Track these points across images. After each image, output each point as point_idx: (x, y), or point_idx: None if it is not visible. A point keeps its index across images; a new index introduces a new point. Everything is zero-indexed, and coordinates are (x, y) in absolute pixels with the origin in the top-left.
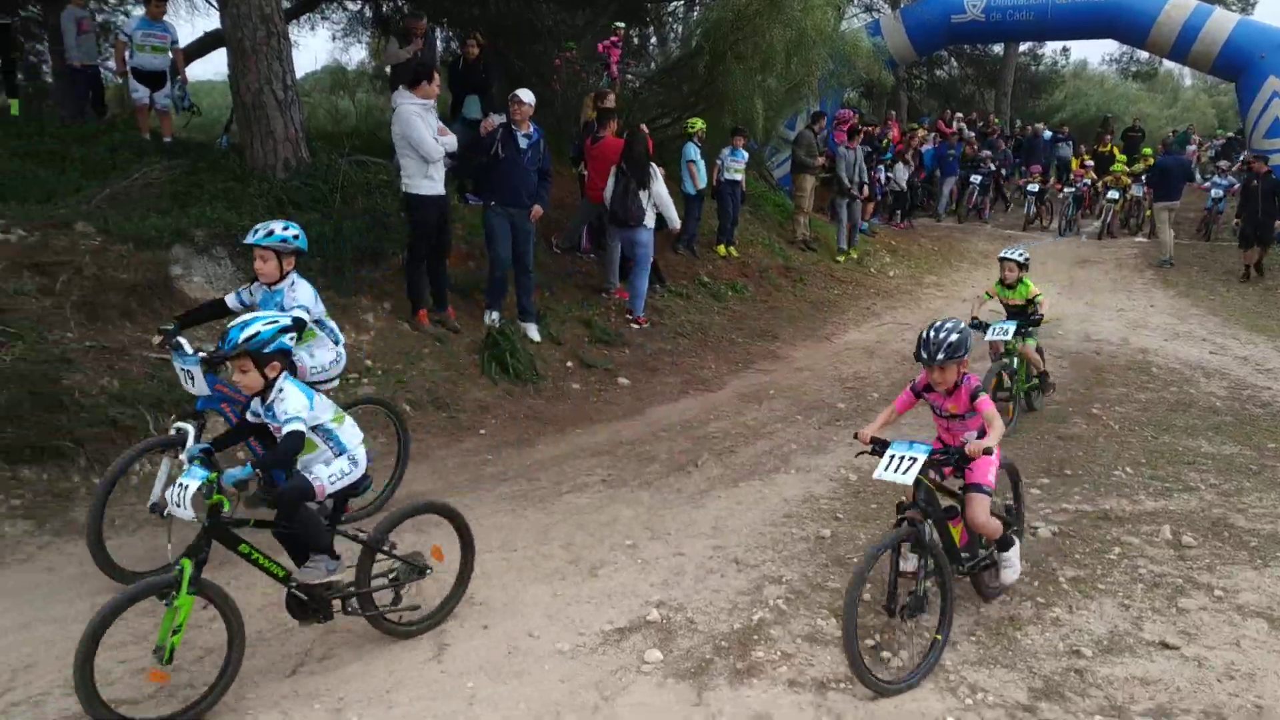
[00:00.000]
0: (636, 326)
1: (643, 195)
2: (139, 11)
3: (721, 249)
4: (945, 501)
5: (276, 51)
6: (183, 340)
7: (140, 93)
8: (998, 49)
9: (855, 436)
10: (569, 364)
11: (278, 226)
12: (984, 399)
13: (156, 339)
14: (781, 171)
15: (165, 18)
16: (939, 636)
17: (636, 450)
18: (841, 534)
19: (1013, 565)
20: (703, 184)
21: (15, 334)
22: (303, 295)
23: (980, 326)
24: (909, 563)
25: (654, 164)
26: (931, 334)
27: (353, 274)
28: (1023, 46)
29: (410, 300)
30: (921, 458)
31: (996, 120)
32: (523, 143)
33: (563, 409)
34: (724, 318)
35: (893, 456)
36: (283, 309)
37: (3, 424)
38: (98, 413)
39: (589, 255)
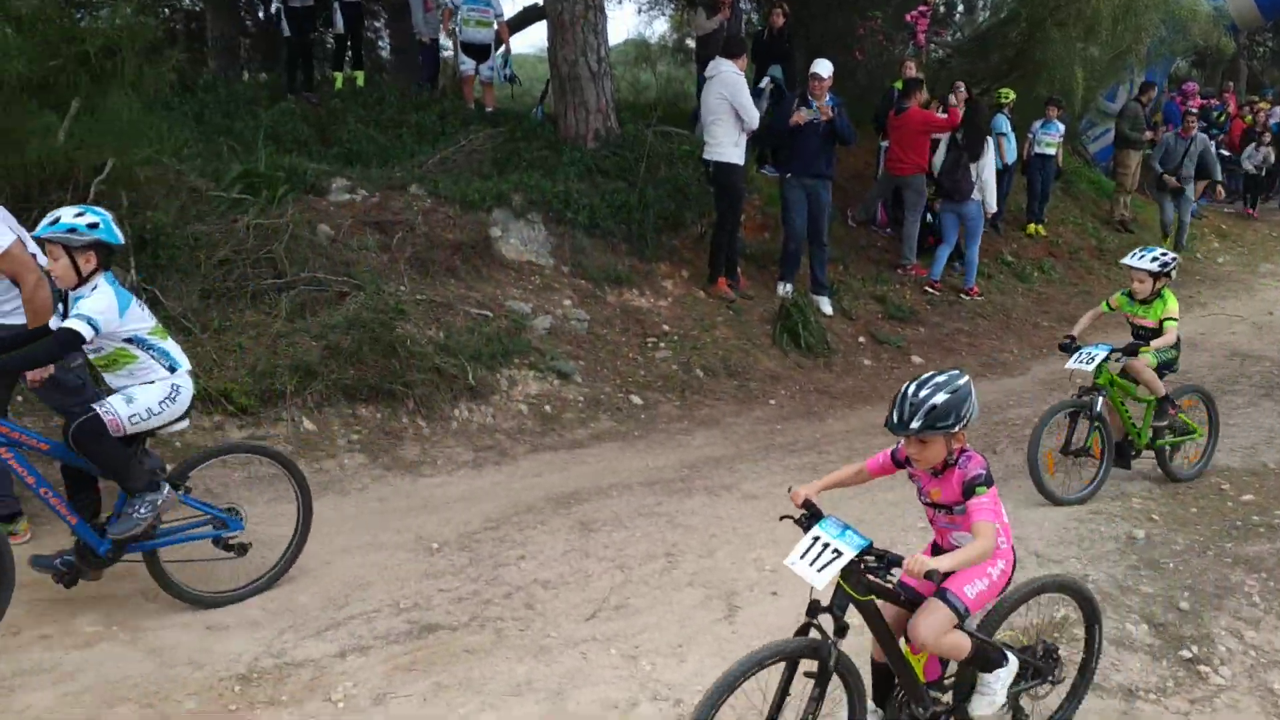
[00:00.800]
0: (968, 298)
1: (973, 169)
2: None
3: (1030, 227)
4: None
5: (593, 25)
6: None
7: (467, 65)
8: None
9: (789, 491)
10: (861, 339)
11: (67, 213)
12: (980, 500)
13: None
14: (1098, 146)
15: None
16: None
17: None
18: (1156, 536)
19: (992, 693)
20: (1011, 158)
21: (358, 285)
22: (94, 304)
23: (1071, 349)
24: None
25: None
26: (910, 390)
27: (654, 241)
28: None
29: (711, 267)
30: (848, 554)
31: None
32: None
33: (853, 384)
34: (1028, 299)
35: (815, 540)
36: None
37: (346, 365)
38: (425, 361)
39: (885, 230)
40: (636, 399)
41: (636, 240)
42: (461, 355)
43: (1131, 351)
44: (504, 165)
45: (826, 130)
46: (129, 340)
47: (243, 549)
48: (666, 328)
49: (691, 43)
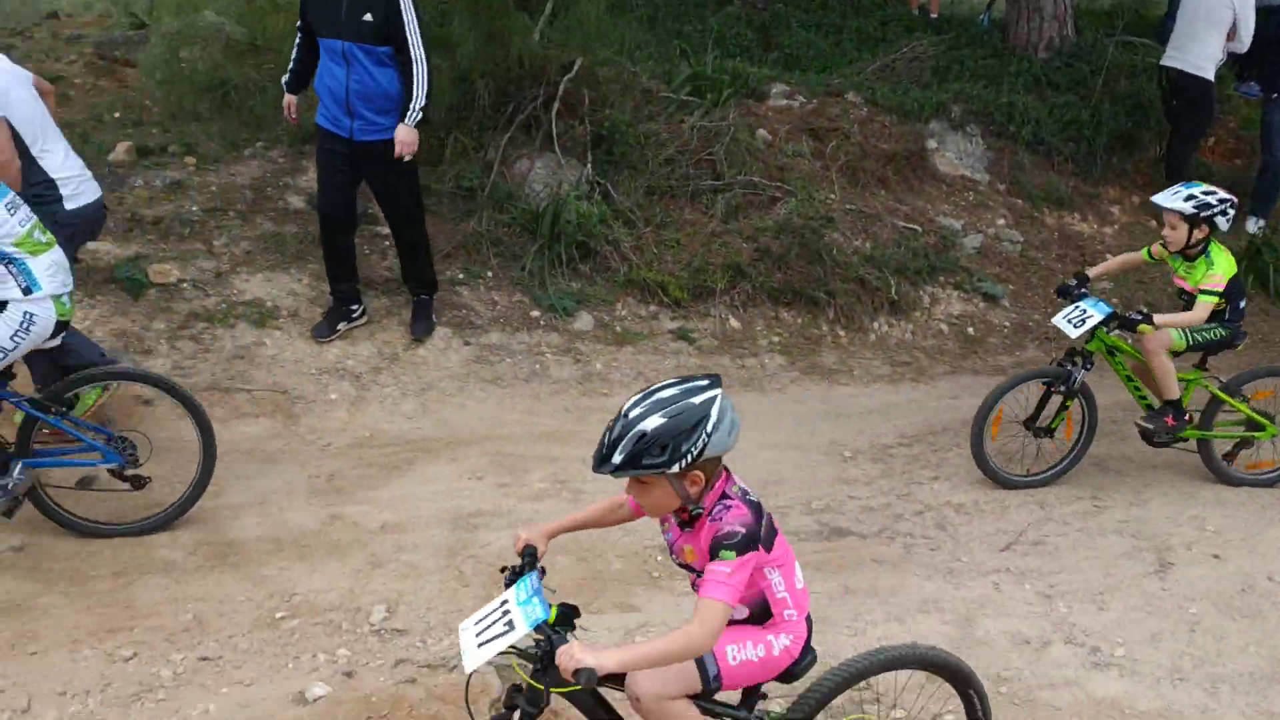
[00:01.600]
0: None
1: None
2: None
3: None
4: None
5: None
6: None
7: None
8: None
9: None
10: None
11: None
12: (718, 568)
13: None
14: None
15: None
16: None
17: None
18: None
19: None
20: None
21: (790, 191)
22: None
23: (1072, 295)
24: None
25: None
26: (626, 407)
27: (1103, 162)
28: None
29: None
30: (520, 630)
31: None
32: None
33: None
34: None
35: (503, 604)
36: None
37: (774, 269)
38: (850, 270)
39: None
40: None
41: (1084, 160)
42: (886, 268)
43: (1129, 325)
44: (945, 74)
45: None
46: None
47: (139, 481)
48: (1109, 256)
49: None
